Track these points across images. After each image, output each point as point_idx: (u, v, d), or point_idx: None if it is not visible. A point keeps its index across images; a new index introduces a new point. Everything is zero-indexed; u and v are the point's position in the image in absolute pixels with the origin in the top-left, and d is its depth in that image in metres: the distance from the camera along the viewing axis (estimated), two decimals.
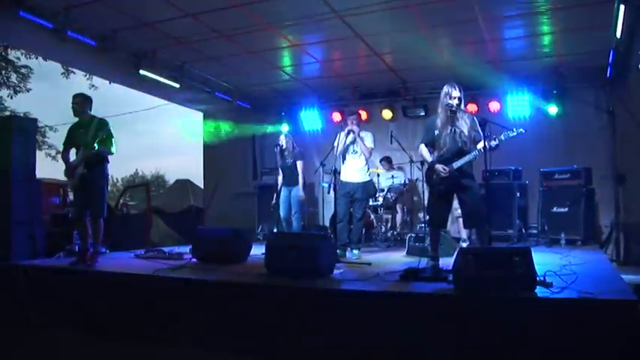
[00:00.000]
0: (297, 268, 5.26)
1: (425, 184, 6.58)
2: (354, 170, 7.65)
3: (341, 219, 7.63)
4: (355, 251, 7.55)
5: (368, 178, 7.84)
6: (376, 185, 10.32)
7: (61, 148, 7.15)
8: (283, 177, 8.80)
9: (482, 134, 5.86)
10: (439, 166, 5.82)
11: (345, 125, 7.78)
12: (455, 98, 5.79)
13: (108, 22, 8.03)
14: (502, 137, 5.67)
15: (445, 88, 5.91)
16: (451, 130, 5.84)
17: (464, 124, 5.78)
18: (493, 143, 5.66)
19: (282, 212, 8.79)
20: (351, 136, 7.59)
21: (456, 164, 5.75)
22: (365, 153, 7.63)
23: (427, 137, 6.09)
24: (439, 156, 5.91)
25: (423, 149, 6.16)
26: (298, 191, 8.61)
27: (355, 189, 7.62)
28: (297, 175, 8.63)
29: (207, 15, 7.68)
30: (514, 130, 5.66)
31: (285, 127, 11.93)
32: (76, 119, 6.81)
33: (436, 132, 5.92)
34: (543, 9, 7.38)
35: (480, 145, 5.76)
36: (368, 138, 7.72)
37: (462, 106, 5.89)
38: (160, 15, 7.73)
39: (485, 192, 6.46)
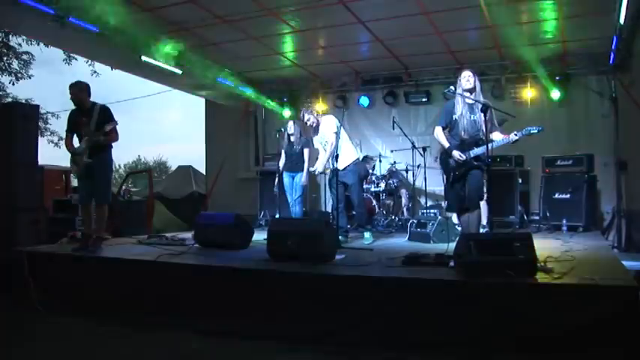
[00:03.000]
0: (299, 253, 5.28)
1: (439, 169, 6.62)
2: (324, 160, 7.72)
3: (338, 204, 7.62)
4: (367, 234, 7.61)
5: (351, 160, 7.72)
6: (376, 168, 10.36)
7: (63, 134, 7.14)
8: (287, 163, 8.77)
9: (497, 125, 5.94)
10: (456, 153, 5.97)
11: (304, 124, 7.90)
12: (465, 90, 5.89)
13: (109, 8, 7.99)
14: (524, 132, 5.73)
15: (460, 76, 6.08)
16: (470, 116, 5.97)
17: (480, 113, 5.84)
18: (514, 138, 5.75)
19: (290, 198, 8.79)
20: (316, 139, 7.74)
21: (474, 152, 5.92)
22: (329, 142, 7.59)
23: (445, 120, 6.20)
24: (460, 141, 6.02)
25: (440, 133, 6.22)
26: (302, 177, 8.59)
27: (344, 175, 7.58)
28: (303, 162, 8.62)
29: (209, 0, 7.65)
30: (535, 127, 5.73)
31: (288, 114, 11.91)
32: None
33: (454, 117, 6.06)
34: None
35: (498, 137, 5.84)
36: (329, 125, 7.64)
37: (478, 94, 5.99)
38: (161, 0, 7.70)
39: (488, 178, 6.51)
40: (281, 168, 8.77)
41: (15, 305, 5.93)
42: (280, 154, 8.92)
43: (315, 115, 7.92)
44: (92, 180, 6.65)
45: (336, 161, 7.34)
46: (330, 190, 7.77)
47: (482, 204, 7.63)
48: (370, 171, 10.43)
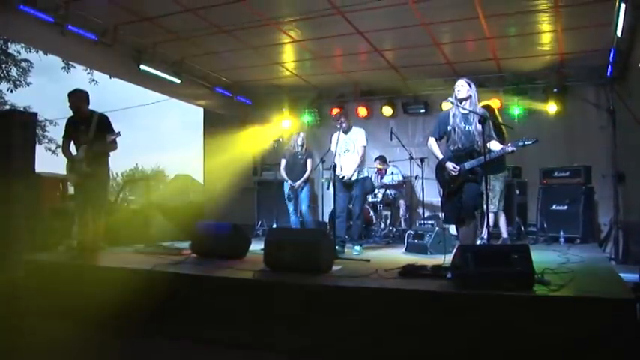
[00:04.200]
0: (296, 264, 5.26)
1: (435, 181, 6.52)
2: (349, 168, 7.71)
3: (339, 214, 7.68)
4: (357, 247, 7.64)
5: (364, 175, 7.89)
6: (376, 182, 10.37)
7: (61, 142, 7.14)
8: (292, 173, 9.01)
9: (494, 136, 5.88)
10: (449, 165, 5.84)
11: (337, 125, 7.91)
12: (459, 100, 5.81)
13: (108, 17, 8.03)
14: (519, 144, 5.69)
15: (455, 85, 5.96)
16: (464, 127, 5.84)
17: (476, 123, 5.71)
18: (510, 149, 5.70)
19: (291, 208, 9.14)
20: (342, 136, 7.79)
21: (469, 165, 5.79)
22: (359, 151, 7.76)
23: (439, 131, 6.06)
24: (455, 151, 5.91)
25: (434, 144, 6.09)
26: (299, 181, 8.95)
27: (352, 186, 7.72)
28: (305, 171, 8.99)
29: (208, 10, 7.67)
30: (530, 140, 5.69)
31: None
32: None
33: (449, 127, 5.92)
34: (545, 7, 7.37)
35: (495, 147, 5.78)
36: (361, 137, 7.85)
37: (474, 104, 5.87)
38: (160, 10, 7.73)
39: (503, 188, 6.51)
40: (285, 177, 8.91)
41: (11, 313, 5.90)
42: (281, 163, 9.03)
43: (349, 120, 8.02)
44: (89, 187, 6.65)
45: (334, 171, 7.52)
46: (334, 198, 7.82)
47: (501, 214, 7.71)
48: (376, 184, 10.45)
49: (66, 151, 6.79)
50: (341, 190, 7.77)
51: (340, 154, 7.81)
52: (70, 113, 6.82)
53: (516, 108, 10.34)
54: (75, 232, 7.92)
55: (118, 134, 6.63)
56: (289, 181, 9.04)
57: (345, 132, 7.85)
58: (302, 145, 9.13)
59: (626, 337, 3.52)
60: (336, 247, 7.10)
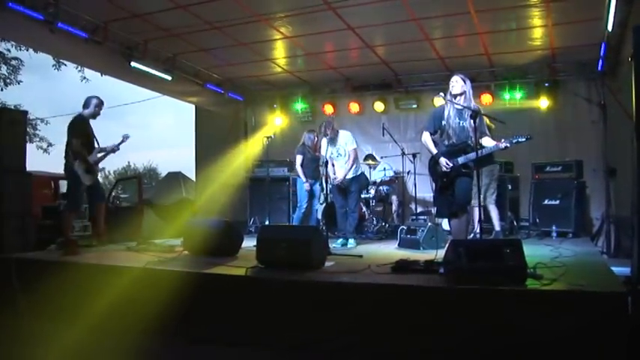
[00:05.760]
0: (289, 260, 5.25)
1: (428, 175, 6.54)
2: (341, 172, 7.95)
3: (339, 209, 8.05)
4: (351, 240, 7.78)
5: (358, 173, 8.08)
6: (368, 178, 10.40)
7: (52, 140, 7.26)
8: (310, 171, 9.11)
9: (487, 132, 5.90)
10: (443, 161, 5.89)
11: (324, 132, 8.03)
12: (454, 95, 5.83)
13: (99, 14, 7.98)
14: (513, 141, 5.72)
15: (450, 81, 5.99)
16: (458, 122, 5.88)
17: (470, 118, 5.68)
18: (503, 146, 5.74)
19: (304, 204, 9.21)
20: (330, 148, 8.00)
21: (462, 160, 5.84)
22: (350, 154, 7.95)
23: (433, 126, 6.09)
24: (449, 145, 5.95)
25: (428, 139, 6.12)
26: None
27: (347, 182, 7.88)
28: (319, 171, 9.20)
29: (199, 6, 7.64)
30: (524, 136, 5.72)
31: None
32: (80, 113, 7.45)
33: (443, 122, 5.97)
34: (535, 1, 7.38)
35: (487, 143, 5.80)
36: (349, 140, 8.00)
37: (468, 99, 5.88)
38: (150, 6, 7.69)
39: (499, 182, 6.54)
40: (301, 174, 9.05)
41: (1, 311, 5.88)
42: (296, 160, 9.08)
43: (333, 128, 8.09)
44: (96, 187, 7.43)
45: (326, 167, 7.76)
46: (327, 194, 8.02)
47: (493, 208, 7.73)
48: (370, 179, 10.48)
49: (82, 151, 7.06)
50: (336, 186, 7.95)
51: (331, 158, 7.97)
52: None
53: (508, 103, 10.35)
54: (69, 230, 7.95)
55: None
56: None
57: (333, 139, 7.97)
58: (316, 144, 9.20)
59: (617, 330, 3.53)
60: (340, 240, 7.79)
